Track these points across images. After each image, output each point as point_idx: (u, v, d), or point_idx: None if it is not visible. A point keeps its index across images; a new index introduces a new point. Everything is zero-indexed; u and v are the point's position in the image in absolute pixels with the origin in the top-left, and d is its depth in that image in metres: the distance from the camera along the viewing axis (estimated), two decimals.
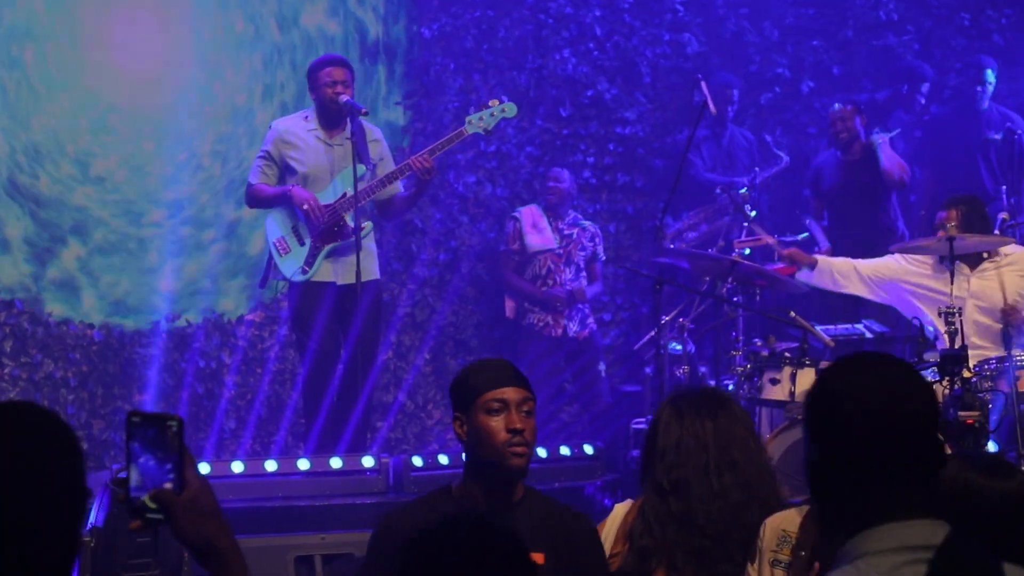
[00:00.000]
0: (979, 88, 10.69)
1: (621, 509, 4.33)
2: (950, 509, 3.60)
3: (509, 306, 10.17)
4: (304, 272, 8.14)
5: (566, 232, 10.08)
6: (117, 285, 9.61)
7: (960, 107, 10.92)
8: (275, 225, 8.25)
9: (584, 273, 10.10)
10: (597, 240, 10.19)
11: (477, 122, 8.28)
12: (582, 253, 10.09)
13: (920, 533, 2.62)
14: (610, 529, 4.30)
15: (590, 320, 10.14)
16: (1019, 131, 10.48)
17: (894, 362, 2.76)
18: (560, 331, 9.97)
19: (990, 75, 10.71)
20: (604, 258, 10.26)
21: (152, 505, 2.44)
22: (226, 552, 2.49)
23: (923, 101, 10.99)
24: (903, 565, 2.57)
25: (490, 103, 8.34)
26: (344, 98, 8.09)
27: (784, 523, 3.83)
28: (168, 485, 2.44)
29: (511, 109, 8.35)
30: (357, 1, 10.41)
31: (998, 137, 10.43)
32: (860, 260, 8.62)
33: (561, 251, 10.03)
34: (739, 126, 11.02)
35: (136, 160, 9.63)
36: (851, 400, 2.67)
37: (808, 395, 2.79)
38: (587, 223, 10.23)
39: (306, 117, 8.32)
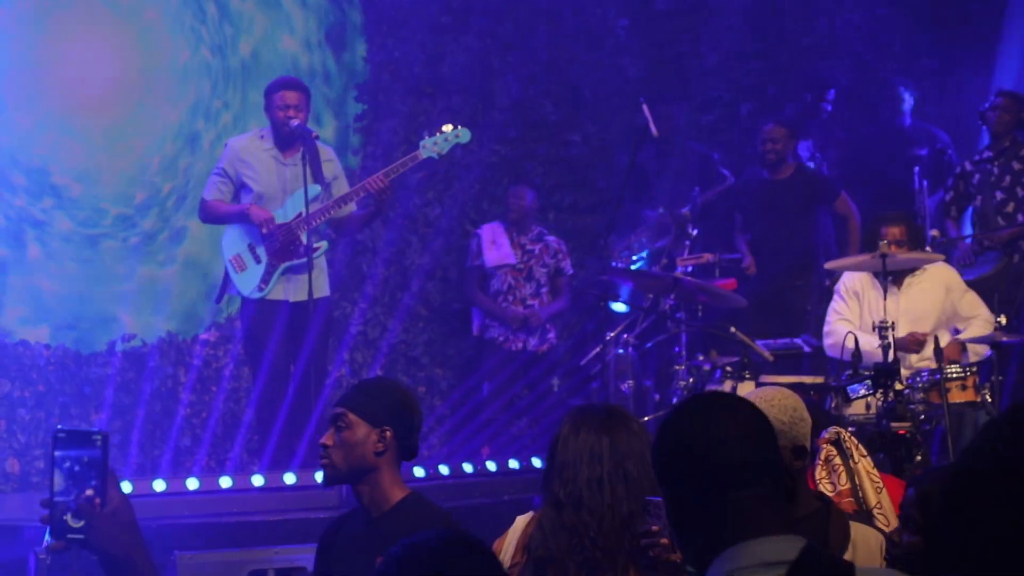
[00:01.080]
0: (898, 109, 10.82)
1: (521, 521, 4.30)
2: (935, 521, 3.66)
3: (475, 323, 10.19)
4: (261, 289, 8.11)
5: (528, 247, 10.09)
6: (73, 302, 9.54)
7: (885, 127, 11.01)
8: (231, 242, 8.19)
9: (545, 288, 10.10)
10: (561, 255, 10.18)
11: (431, 146, 8.27)
12: (543, 269, 10.09)
13: (776, 549, 2.69)
14: (510, 540, 4.27)
15: (550, 335, 10.15)
16: (948, 148, 10.60)
17: (733, 401, 2.92)
18: (520, 345, 9.98)
19: (906, 96, 10.84)
20: (571, 272, 10.25)
21: (74, 524, 2.45)
22: (140, 567, 2.55)
23: (829, 108, 11.03)
24: None
25: (444, 128, 8.34)
26: (295, 123, 8.05)
27: None
28: (90, 492, 2.46)
29: (465, 135, 8.35)
30: (301, 28, 10.39)
31: (924, 153, 10.54)
32: (840, 320, 8.53)
33: (522, 266, 10.04)
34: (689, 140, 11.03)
35: (90, 177, 9.59)
36: (693, 440, 2.78)
37: (655, 439, 2.89)
38: (551, 238, 10.23)
39: (262, 136, 8.28)
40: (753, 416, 2.85)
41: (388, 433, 4.34)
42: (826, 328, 8.55)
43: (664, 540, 3.42)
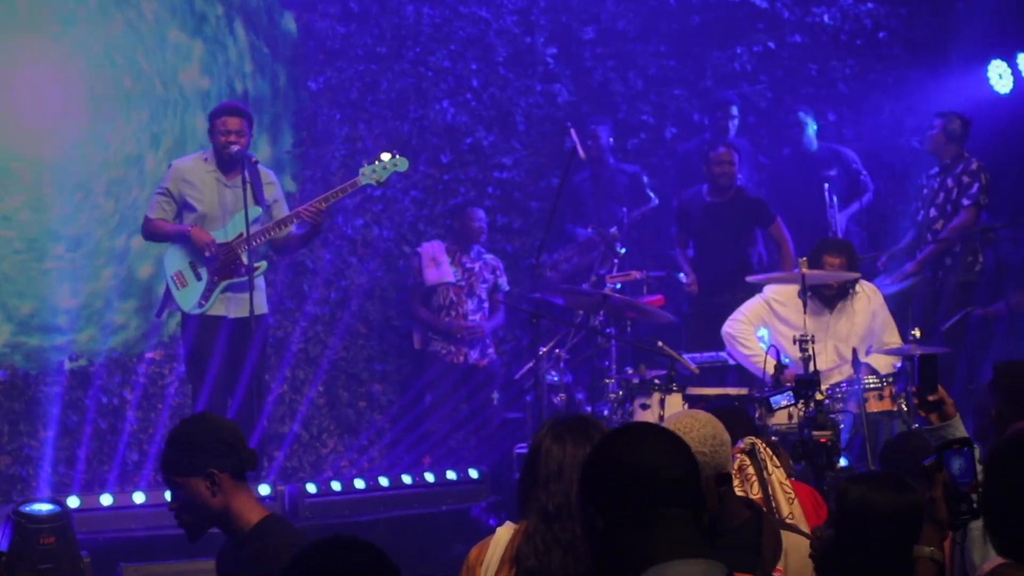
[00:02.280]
0: (802, 134, 10.93)
1: (504, 533, 4.17)
2: (850, 524, 3.72)
3: (416, 337, 10.19)
4: (201, 305, 8.11)
5: (469, 266, 10.11)
6: (20, 320, 9.46)
7: (797, 151, 11.09)
8: (173, 259, 8.20)
9: (486, 303, 10.13)
10: (498, 272, 10.21)
11: (370, 174, 8.30)
12: (484, 285, 10.12)
13: (699, 571, 2.78)
14: (493, 553, 4.14)
15: (490, 350, 10.17)
16: (857, 167, 10.71)
17: (658, 431, 3.02)
18: (462, 359, 9.99)
19: (809, 121, 10.94)
20: (507, 288, 10.28)
21: None
22: None
23: (735, 124, 11.05)
24: None
25: (382, 156, 8.35)
26: (235, 148, 8.08)
27: None
28: None
29: (403, 164, 8.39)
30: (237, 58, 10.36)
31: (833, 173, 10.65)
32: (740, 324, 8.63)
33: (464, 283, 10.05)
34: (619, 161, 11.06)
35: (37, 201, 9.52)
36: (626, 457, 2.89)
37: (585, 464, 2.98)
38: (489, 256, 10.27)
39: (205, 158, 8.29)
40: (680, 444, 2.95)
41: (214, 473, 4.24)
42: (728, 322, 8.62)
43: None
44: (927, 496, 3.52)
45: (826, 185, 10.32)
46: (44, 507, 6.47)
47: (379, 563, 2.82)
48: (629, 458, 2.87)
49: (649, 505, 2.81)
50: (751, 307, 8.65)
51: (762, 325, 8.62)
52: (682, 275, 10.24)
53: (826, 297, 8.45)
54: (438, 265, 10.04)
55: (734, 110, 10.97)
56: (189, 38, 10.17)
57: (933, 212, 9.90)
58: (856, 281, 8.50)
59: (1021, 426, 4.78)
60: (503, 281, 10.22)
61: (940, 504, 3.47)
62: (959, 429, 4.64)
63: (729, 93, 11.30)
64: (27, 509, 6.44)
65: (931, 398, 4.62)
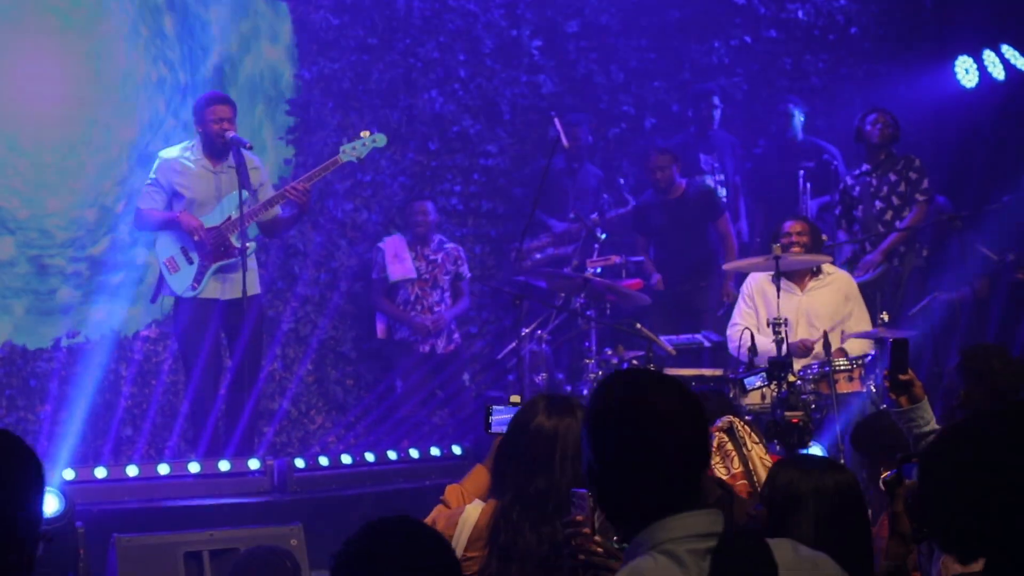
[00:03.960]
0: (788, 124, 10.90)
1: (473, 512, 4.09)
2: (780, 506, 3.63)
3: (380, 328, 10.01)
4: (194, 288, 8.03)
5: (431, 258, 9.94)
6: (20, 302, 9.31)
7: (779, 142, 11.06)
8: (165, 246, 8.12)
9: (448, 292, 9.97)
10: (460, 261, 10.04)
11: (350, 151, 8.22)
12: (446, 276, 9.96)
13: (703, 522, 2.67)
14: (462, 531, 4.06)
15: (456, 336, 10.02)
16: (834, 160, 10.65)
17: (662, 378, 2.84)
18: (428, 347, 9.84)
19: (796, 113, 10.92)
20: (469, 275, 10.13)
21: None
22: None
23: (719, 113, 11.02)
24: (693, 550, 2.62)
25: (362, 134, 8.29)
26: (230, 134, 8.02)
27: None
28: None
29: (381, 139, 8.31)
30: (239, 45, 10.22)
31: (812, 165, 10.61)
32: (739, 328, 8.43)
33: (428, 276, 9.88)
34: (592, 163, 11.00)
35: (39, 187, 9.35)
36: (645, 409, 2.72)
37: (588, 410, 2.80)
38: (450, 245, 10.10)
39: (191, 147, 8.18)
40: (694, 397, 2.78)
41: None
42: (729, 332, 8.55)
43: (587, 530, 3.28)
44: (890, 511, 3.43)
45: (801, 172, 10.29)
46: (48, 508, 6.22)
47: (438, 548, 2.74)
48: (646, 408, 2.72)
49: (668, 458, 2.69)
50: (739, 312, 8.58)
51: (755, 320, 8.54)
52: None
53: (795, 276, 8.39)
54: (401, 261, 9.86)
55: (716, 100, 10.95)
56: (210, 23, 9.99)
57: (879, 204, 9.78)
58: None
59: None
60: (464, 269, 10.03)
61: (902, 518, 3.39)
62: (927, 411, 4.57)
63: (710, 84, 11.25)
64: None
65: (902, 378, 4.54)
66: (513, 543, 3.94)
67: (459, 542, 4.01)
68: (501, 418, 4.28)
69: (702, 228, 10.18)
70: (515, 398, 4.49)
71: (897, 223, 9.69)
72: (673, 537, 2.64)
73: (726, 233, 10.15)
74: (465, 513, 4.08)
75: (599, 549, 3.25)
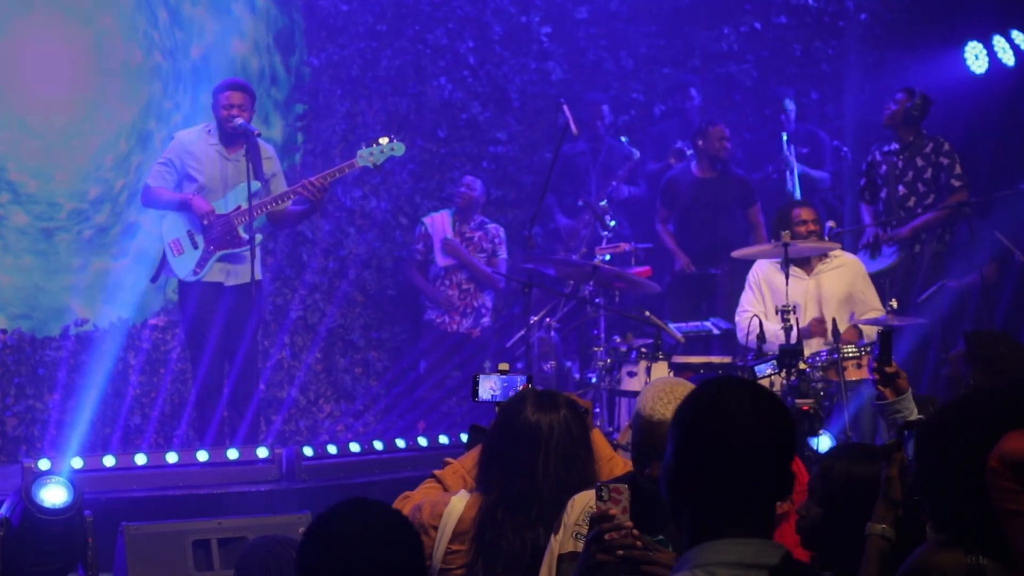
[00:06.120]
0: (781, 115, 10.87)
1: (458, 503, 4.03)
2: (839, 499, 3.60)
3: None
4: (196, 273, 7.98)
5: (468, 235, 9.93)
6: (29, 291, 9.30)
7: (773, 131, 11.01)
8: (172, 227, 8.04)
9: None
10: (498, 241, 10.00)
11: (367, 156, 8.16)
12: (481, 255, 9.92)
13: (756, 551, 2.56)
14: (446, 523, 4.00)
15: (485, 319, 9.99)
16: (825, 148, 10.63)
17: (766, 393, 2.69)
18: (456, 327, 9.84)
19: (787, 103, 10.87)
20: (505, 257, 10.05)
21: None
22: None
23: (697, 103, 10.98)
24: None
25: (380, 140, 8.20)
26: (238, 121, 7.95)
27: (591, 500, 3.41)
28: None
29: (399, 148, 8.23)
30: (251, 33, 10.18)
31: (806, 151, 10.58)
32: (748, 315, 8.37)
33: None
34: (614, 139, 10.92)
35: (47, 163, 9.35)
36: (725, 420, 2.60)
37: (682, 406, 2.69)
38: (492, 226, 10.06)
39: (208, 131, 8.13)
40: (784, 427, 2.65)
41: None
42: (737, 319, 8.49)
43: (628, 523, 3.14)
44: (883, 474, 3.40)
45: (784, 135, 10.36)
46: (57, 498, 6.22)
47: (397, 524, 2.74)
48: (739, 433, 2.58)
49: (742, 491, 2.57)
50: (747, 299, 8.50)
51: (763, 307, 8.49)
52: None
53: (802, 261, 8.33)
54: (438, 240, 9.89)
55: (693, 92, 10.91)
56: (204, 12, 9.97)
57: (902, 189, 9.71)
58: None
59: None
60: (502, 249, 10.01)
61: (895, 483, 3.37)
62: (910, 401, 4.50)
63: (687, 76, 11.21)
64: (39, 498, 6.19)
65: (888, 370, 4.47)
66: (498, 545, 3.89)
67: (443, 535, 3.96)
68: (488, 385, 4.28)
69: (732, 212, 10.08)
70: (504, 366, 4.45)
71: (919, 210, 9.61)
72: (719, 561, 2.54)
73: (757, 223, 10.01)
74: (450, 505, 4.02)
75: (639, 543, 3.15)
